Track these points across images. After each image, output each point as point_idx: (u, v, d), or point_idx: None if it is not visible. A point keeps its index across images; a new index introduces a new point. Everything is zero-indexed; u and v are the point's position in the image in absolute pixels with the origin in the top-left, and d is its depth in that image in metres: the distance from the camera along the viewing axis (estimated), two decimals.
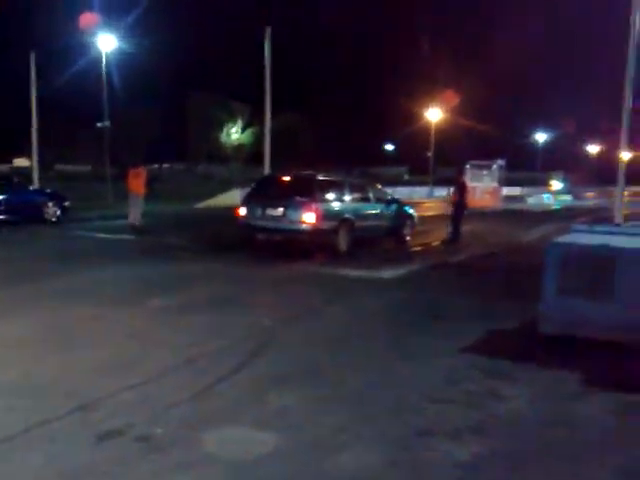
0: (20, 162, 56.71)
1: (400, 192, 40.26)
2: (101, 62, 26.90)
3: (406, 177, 78.63)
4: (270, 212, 11.87)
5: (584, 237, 5.86)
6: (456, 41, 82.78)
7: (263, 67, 21.05)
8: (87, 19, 29.64)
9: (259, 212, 12.04)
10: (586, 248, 5.35)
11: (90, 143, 49.57)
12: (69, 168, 61.54)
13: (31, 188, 19.29)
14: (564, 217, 26.17)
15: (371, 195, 13.54)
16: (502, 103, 75.07)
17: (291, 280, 9.23)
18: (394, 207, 14.06)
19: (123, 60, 31.41)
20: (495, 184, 33.13)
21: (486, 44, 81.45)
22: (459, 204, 14.69)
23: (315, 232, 11.59)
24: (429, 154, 53.17)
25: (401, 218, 14.28)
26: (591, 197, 49.74)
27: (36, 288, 7.91)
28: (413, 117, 57.73)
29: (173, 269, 9.83)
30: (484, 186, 30.77)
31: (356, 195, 13.01)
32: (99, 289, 8.06)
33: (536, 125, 75.28)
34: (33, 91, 21.50)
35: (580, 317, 5.25)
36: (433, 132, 52.51)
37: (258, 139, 70.51)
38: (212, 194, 29.25)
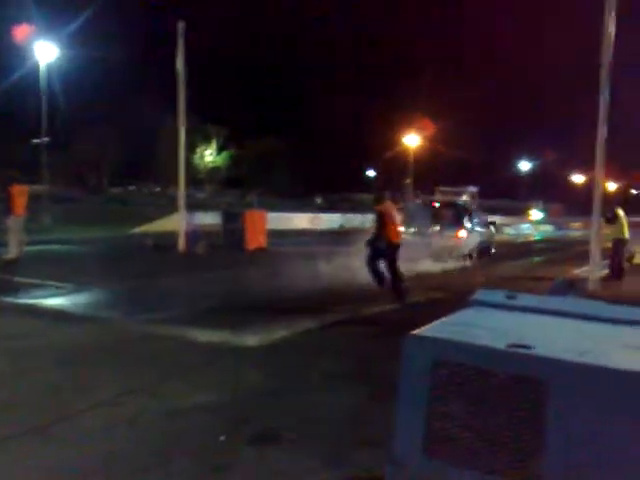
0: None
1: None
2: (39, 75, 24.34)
3: None
4: None
5: (486, 319, 2.76)
6: (440, 69, 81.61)
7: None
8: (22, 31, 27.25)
9: None
10: (472, 354, 2.42)
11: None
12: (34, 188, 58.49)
13: None
14: (536, 250, 23.63)
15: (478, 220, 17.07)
16: (485, 132, 74.07)
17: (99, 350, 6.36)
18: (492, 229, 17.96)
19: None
20: None
21: (469, 72, 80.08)
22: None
23: None
24: (408, 180, 51.28)
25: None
26: (577, 227, 46.48)
27: None
28: (392, 143, 56.27)
29: None
30: None
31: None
32: None
33: (520, 154, 74.70)
34: None
35: None
36: (412, 159, 51.01)
37: (234, 162, 67.83)
38: (160, 218, 26.46)
